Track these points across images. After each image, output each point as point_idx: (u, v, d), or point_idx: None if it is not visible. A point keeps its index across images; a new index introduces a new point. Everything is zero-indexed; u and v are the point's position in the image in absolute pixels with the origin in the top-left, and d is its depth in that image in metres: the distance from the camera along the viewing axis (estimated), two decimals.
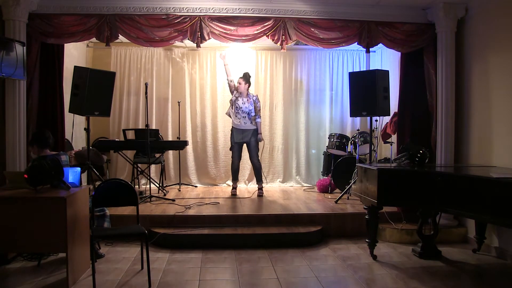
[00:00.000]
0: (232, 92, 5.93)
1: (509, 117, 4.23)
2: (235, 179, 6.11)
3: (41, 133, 4.00)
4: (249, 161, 6.32)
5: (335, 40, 5.11)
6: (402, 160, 4.30)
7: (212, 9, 4.91)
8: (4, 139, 4.45)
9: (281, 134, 7.24)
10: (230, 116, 5.98)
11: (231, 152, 6.06)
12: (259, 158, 6.06)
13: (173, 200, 5.47)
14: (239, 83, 5.80)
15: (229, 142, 6.11)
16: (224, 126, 7.08)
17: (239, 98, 5.82)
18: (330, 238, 4.70)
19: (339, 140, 6.32)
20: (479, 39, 4.73)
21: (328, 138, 6.69)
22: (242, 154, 6.08)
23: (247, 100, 5.83)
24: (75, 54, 6.38)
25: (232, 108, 5.87)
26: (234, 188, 6.13)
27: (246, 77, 5.85)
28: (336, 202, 5.45)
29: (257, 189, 6.08)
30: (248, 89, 5.90)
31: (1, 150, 4.43)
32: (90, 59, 7.09)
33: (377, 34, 5.07)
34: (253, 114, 5.82)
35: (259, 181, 6.04)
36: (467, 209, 3.46)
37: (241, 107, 5.78)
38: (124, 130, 5.99)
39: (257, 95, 6.04)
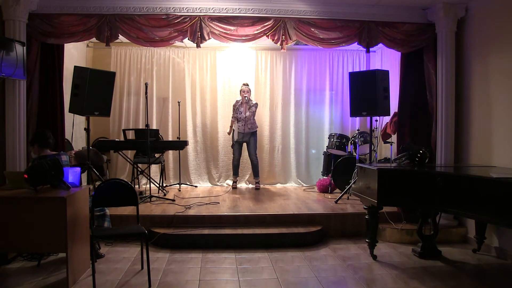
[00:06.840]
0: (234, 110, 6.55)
1: (509, 117, 4.23)
2: (235, 174, 6.70)
3: (42, 132, 4.01)
4: (249, 164, 6.77)
5: (335, 40, 5.11)
6: (402, 160, 4.30)
7: (212, 9, 4.91)
8: (4, 139, 4.44)
9: (281, 134, 7.25)
10: (233, 123, 6.55)
11: (232, 149, 6.65)
12: (257, 155, 6.58)
13: (173, 200, 5.47)
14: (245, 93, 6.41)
15: (228, 142, 6.89)
16: (224, 126, 7.09)
17: (240, 109, 6.39)
18: (330, 238, 4.70)
19: (339, 140, 6.33)
20: (479, 39, 4.73)
21: (328, 138, 6.70)
22: (242, 153, 6.65)
23: (248, 108, 6.39)
24: (75, 54, 6.38)
25: (234, 117, 6.51)
26: (235, 182, 6.72)
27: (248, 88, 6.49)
28: (336, 202, 5.45)
29: (255, 183, 6.68)
30: (249, 97, 6.45)
31: (1, 150, 4.43)
32: (90, 59, 7.09)
33: (377, 34, 5.07)
34: (251, 120, 6.40)
35: (256, 176, 6.65)
36: (467, 209, 3.46)
37: (240, 116, 6.39)
38: (124, 130, 6.00)
39: (256, 103, 6.57)
